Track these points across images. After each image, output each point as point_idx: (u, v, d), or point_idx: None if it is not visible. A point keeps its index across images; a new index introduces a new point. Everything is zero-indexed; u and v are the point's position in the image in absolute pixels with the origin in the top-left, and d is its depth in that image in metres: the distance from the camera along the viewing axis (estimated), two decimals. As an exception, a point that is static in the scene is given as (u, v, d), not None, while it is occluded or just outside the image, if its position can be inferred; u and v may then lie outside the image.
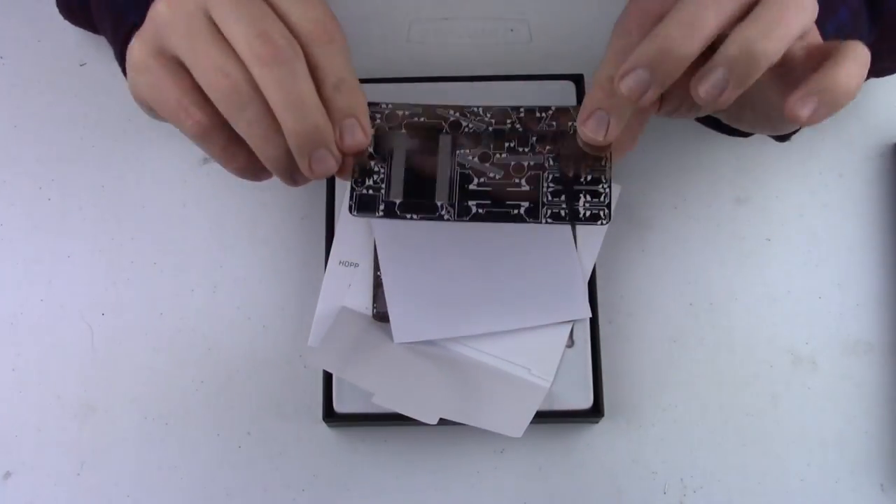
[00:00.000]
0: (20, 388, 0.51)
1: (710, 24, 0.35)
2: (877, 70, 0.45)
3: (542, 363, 0.47)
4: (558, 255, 0.48)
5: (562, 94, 0.52)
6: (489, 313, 0.48)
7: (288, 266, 0.52)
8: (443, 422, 0.49)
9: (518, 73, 0.53)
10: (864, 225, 0.53)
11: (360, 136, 0.38)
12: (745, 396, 0.50)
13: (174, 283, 0.52)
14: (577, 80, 0.53)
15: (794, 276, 0.52)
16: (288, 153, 0.37)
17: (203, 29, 0.36)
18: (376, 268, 0.49)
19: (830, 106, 0.34)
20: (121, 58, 0.45)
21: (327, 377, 0.48)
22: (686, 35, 0.35)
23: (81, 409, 0.50)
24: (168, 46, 0.37)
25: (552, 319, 0.48)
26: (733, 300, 0.52)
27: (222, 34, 0.36)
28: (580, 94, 0.52)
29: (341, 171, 0.38)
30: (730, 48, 0.34)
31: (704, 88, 0.35)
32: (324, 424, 0.49)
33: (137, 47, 0.38)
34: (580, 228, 0.49)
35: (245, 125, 0.36)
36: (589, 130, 0.39)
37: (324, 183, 0.51)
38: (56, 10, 0.54)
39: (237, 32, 0.35)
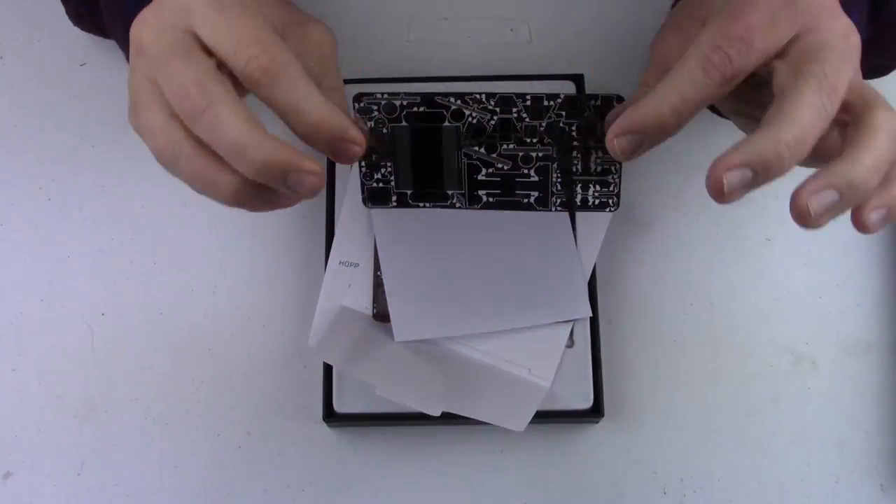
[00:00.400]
0: (20, 388, 0.51)
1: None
2: (870, 69, 0.45)
3: (542, 363, 0.47)
4: (559, 253, 0.48)
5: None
6: (490, 312, 0.48)
7: (288, 266, 0.52)
8: (443, 421, 0.49)
9: (518, 73, 0.53)
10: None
11: (354, 150, 0.37)
12: (745, 396, 0.50)
13: (174, 283, 0.52)
14: (578, 80, 0.53)
15: (794, 276, 0.52)
16: (240, 186, 0.36)
17: (149, 91, 0.36)
18: (376, 267, 0.49)
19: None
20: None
21: (327, 377, 0.48)
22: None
23: (81, 409, 0.50)
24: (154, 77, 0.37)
25: (553, 318, 0.48)
26: (733, 300, 0.52)
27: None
28: (580, 94, 0.52)
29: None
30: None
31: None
32: (324, 424, 0.49)
33: (134, 81, 0.38)
34: (580, 229, 0.49)
35: (187, 177, 0.36)
36: (619, 148, 0.39)
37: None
38: (56, 10, 0.54)
39: (166, 91, 0.35)
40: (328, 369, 0.48)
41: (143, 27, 0.37)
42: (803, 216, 0.34)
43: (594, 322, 0.49)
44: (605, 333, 0.50)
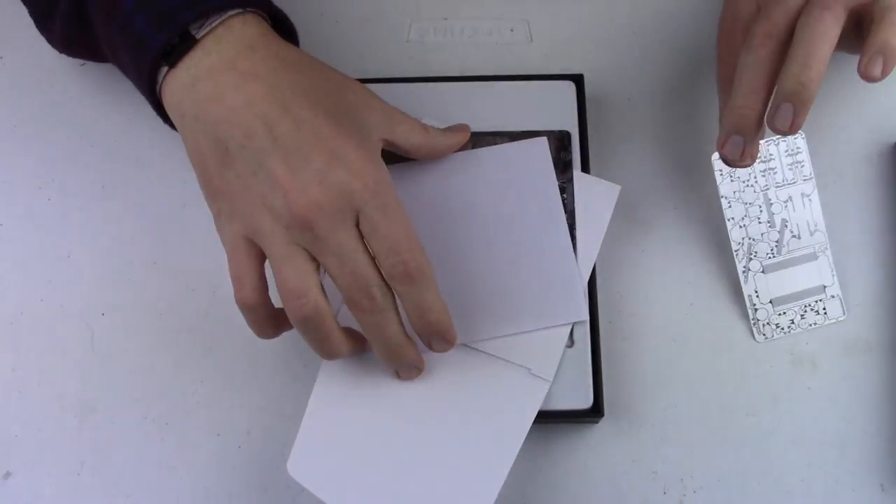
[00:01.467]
0: (20, 388, 0.51)
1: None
2: None
3: (542, 363, 0.47)
4: (555, 257, 0.48)
5: (562, 94, 0.52)
6: (487, 318, 0.48)
7: (288, 266, 0.52)
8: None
9: (518, 74, 0.53)
10: (865, 225, 0.53)
11: (447, 346, 0.45)
12: (745, 396, 0.50)
13: (174, 283, 0.52)
14: (577, 80, 0.53)
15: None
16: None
17: (306, 259, 0.42)
18: None
19: (893, 59, 0.42)
20: (147, 83, 0.44)
21: (327, 377, 0.48)
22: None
23: (81, 409, 0.50)
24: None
25: (549, 323, 0.48)
26: (733, 298, 0.52)
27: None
28: (580, 95, 0.52)
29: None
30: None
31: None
32: (324, 424, 0.49)
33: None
34: (580, 229, 0.50)
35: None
36: (728, 153, 0.46)
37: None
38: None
39: (338, 275, 0.42)
40: (328, 369, 0.48)
41: (312, 204, 0.41)
42: (871, 76, 0.43)
43: (594, 322, 0.49)
44: (605, 333, 0.50)
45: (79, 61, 0.56)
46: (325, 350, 0.44)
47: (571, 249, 0.49)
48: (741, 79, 0.45)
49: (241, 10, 0.43)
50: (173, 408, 0.50)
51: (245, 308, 0.43)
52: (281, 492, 0.49)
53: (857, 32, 0.45)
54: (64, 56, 0.56)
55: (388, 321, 0.43)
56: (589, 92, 0.53)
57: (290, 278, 0.41)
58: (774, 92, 0.44)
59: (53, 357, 0.51)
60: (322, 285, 0.42)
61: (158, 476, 0.49)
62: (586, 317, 0.48)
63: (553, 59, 0.57)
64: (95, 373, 0.51)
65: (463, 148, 0.50)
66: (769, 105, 0.44)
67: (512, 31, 0.58)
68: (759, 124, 0.45)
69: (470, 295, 0.48)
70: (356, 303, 0.42)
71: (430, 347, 0.45)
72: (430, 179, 0.50)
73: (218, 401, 0.50)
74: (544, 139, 0.50)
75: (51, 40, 0.52)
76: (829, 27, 0.43)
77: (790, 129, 0.43)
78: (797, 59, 0.43)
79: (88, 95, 0.56)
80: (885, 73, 0.42)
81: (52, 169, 0.54)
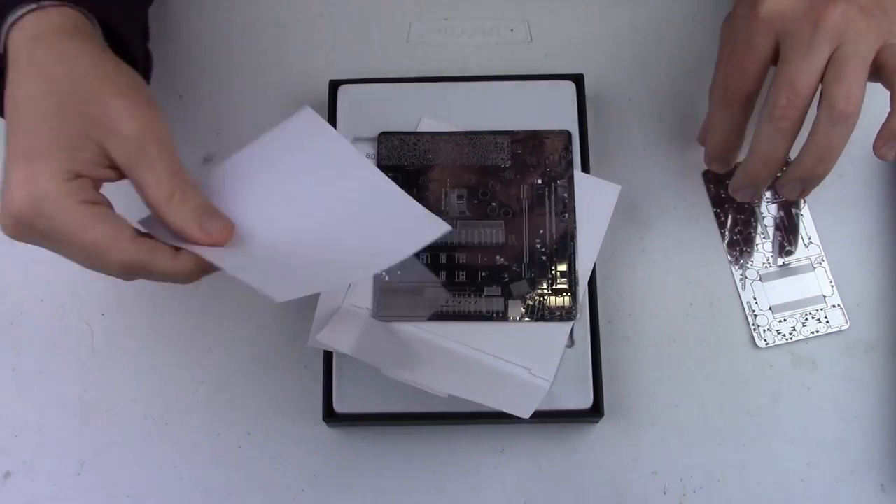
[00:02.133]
0: (20, 388, 0.51)
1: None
2: None
3: (541, 363, 0.47)
4: (381, 199, 0.45)
5: (562, 94, 0.52)
6: (350, 267, 0.44)
7: (288, 266, 0.52)
8: (443, 421, 0.49)
9: (518, 73, 0.53)
10: (864, 225, 0.53)
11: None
12: (745, 396, 0.50)
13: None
14: (578, 80, 0.53)
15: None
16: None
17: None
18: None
19: None
20: None
21: (327, 377, 0.48)
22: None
23: (81, 409, 0.50)
24: None
25: (413, 248, 0.43)
26: (733, 300, 0.52)
27: None
28: (580, 95, 0.53)
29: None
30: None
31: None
32: (324, 424, 0.49)
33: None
34: (580, 228, 0.50)
35: None
36: (739, 198, 0.49)
37: (324, 183, 0.51)
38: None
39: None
40: (328, 369, 0.48)
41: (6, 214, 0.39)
42: (885, 158, 0.45)
43: (594, 322, 0.49)
44: (605, 333, 0.50)
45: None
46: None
47: (390, 184, 0.45)
48: (759, 147, 0.46)
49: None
50: (173, 408, 0.50)
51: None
52: (281, 492, 0.49)
53: (874, 76, 0.45)
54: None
55: None
56: (589, 92, 0.53)
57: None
58: (787, 166, 0.46)
59: (53, 357, 0.51)
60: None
61: (158, 476, 0.49)
62: (446, 228, 0.44)
63: (553, 59, 0.57)
64: (95, 373, 0.51)
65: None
66: (782, 172, 0.47)
67: (512, 31, 0.58)
68: (768, 183, 0.47)
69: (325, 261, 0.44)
70: None
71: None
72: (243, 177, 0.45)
73: (218, 401, 0.50)
74: (306, 108, 0.46)
75: None
76: (851, 117, 0.43)
77: (798, 198, 0.47)
78: (813, 153, 0.44)
79: (88, 95, 0.56)
80: None
81: (52, 169, 0.54)
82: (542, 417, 0.46)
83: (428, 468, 0.49)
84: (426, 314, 0.48)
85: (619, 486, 0.49)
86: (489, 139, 0.51)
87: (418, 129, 0.52)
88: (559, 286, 0.49)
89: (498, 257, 0.49)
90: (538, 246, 0.49)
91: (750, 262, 0.52)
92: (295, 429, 0.50)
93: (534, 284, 0.49)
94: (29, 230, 0.39)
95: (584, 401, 0.48)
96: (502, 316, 0.48)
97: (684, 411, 0.50)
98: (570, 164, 0.51)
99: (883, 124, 0.44)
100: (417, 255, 0.47)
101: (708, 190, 0.53)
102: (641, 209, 0.53)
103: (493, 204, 0.50)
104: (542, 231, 0.50)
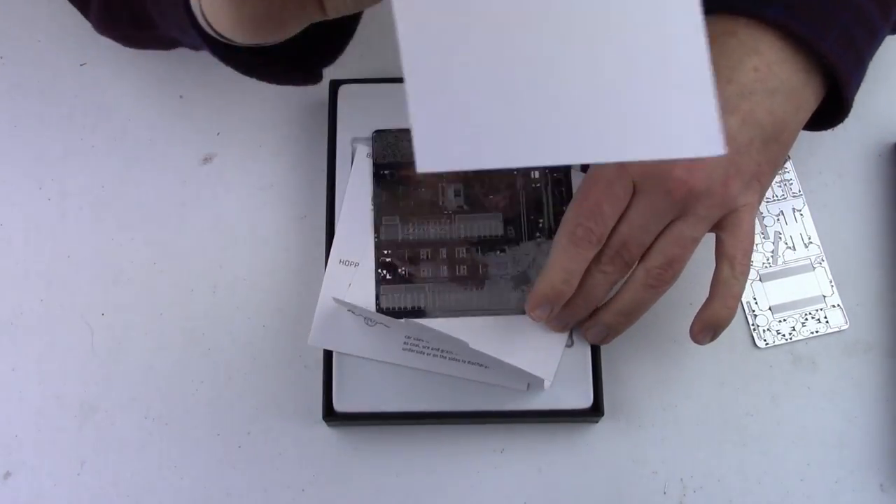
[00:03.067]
0: (20, 388, 0.51)
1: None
2: None
3: (542, 363, 0.47)
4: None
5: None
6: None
7: (288, 266, 0.52)
8: (443, 421, 0.49)
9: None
10: (864, 225, 0.53)
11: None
12: (745, 396, 0.50)
13: (174, 283, 0.52)
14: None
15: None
16: None
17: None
18: (377, 266, 0.49)
19: (719, 331, 0.46)
20: (192, 21, 0.38)
21: (327, 377, 0.48)
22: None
23: (81, 409, 0.50)
24: None
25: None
26: (733, 300, 0.52)
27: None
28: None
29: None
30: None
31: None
32: (324, 424, 0.49)
33: None
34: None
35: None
36: (536, 316, 0.47)
37: (324, 181, 0.51)
38: (56, 10, 0.54)
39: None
40: (328, 369, 0.48)
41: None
42: (700, 343, 0.47)
43: (594, 322, 0.49)
44: (605, 333, 0.50)
45: (79, 61, 0.56)
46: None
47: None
48: (594, 288, 0.46)
49: None
50: (173, 408, 0.50)
51: None
52: (281, 492, 0.49)
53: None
54: (64, 56, 0.56)
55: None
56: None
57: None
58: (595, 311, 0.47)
59: (53, 357, 0.51)
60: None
61: (158, 476, 0.49)
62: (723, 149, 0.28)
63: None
64: (95, 373, 0.51)
65: None
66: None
67: (512, 31, 0.57)
68: (577, 319, 0.48)
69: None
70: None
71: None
72: None
73: (218, 401, 0.50)
74: None
75: (92, 19, 0.50)
76: (667, 284, 0.46)
77: (598, 344, 0.48)
78: (624, 306, 0.47)
79: (88, 95, 0.56)
80: (712, 340, 0.46)
81: (52, 169, 0.54)
82: (542, 417, 0.46)
83: (428, 468, 0.49)
84: (429, 311, 0.48)
85: (619, 486, 0.49)
86: None
87: None
88: None
89: (498, 250, 0.49)
90: (538, 237, 0.50)
91: (750, 262, 0.52)
92: (295, 429, 0.50)
93: (536, 276, 0.48)
94: None
95: (584, 401, 0.48)
96: (506, 309, 0.48)
97: (684, 411, 0.50)
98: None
99: (700, 309, 0.46)
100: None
101: None
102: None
103: (491, 197, 0.50)
104: (541, 223, 0.50)
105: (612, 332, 0.47)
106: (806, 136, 0.52)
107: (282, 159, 0.55)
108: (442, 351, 0.48)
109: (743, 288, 0.45)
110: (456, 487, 0.49)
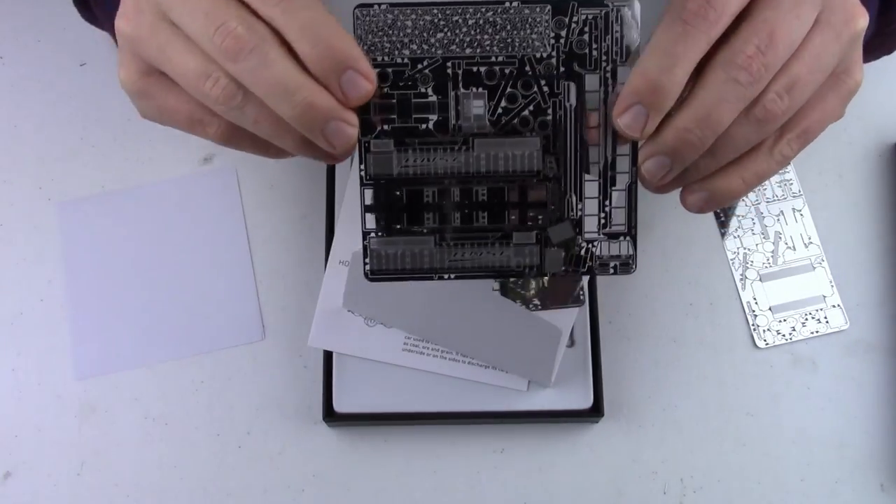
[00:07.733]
0: (20, 388, 0.51)
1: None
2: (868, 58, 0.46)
3: (542, 364, 0.47)
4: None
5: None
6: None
7: (288, 266, 0.52)
8: (443, 421, 0.49)
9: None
10: (864, 225, 0.53)
11: (363, 84, 0.34)
12: (745, 396, 0.50)
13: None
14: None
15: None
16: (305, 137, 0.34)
17: (170, 36, 0.34)
18: (363, 211, 0.39)
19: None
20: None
21: (327, 377, 0.48)
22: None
23: (81, 409, 0.50)
24: (148, 62, 0.36)
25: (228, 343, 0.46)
26: (733, 299, 0.52)
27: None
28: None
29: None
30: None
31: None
32: (324, 424, 0.49)
33: (124, 74, 0.37)
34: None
35: (251, 124, 0.34)
36: (624, 123, 0.34)
37: (324, 181, 0.51)
38: (56, 10, 0.54)
39: (195, 31, 0.33)
40: (328, 369, 0.48)
41: None
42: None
43: (594, 322, 0.49)
44: (605, 333, 0.50)
45: (79, 61, 0.56)
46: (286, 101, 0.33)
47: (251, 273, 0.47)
48: (698, 101, 0.34)
49: None
50: (173, 408, 0.50)
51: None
52: (281, 492, 0.49)
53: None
54: (64, 55, 0.56)
55: (268, 56, 0.32)
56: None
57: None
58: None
59: (53, 357, 0.51)
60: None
61: (158, 476, 0.49)
62: (260, 337, 0.42)
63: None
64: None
65: None
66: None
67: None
68: (691, 160, 0.35)
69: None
70: (220, 53, 0.32)
71: (342, 92, 0.33)
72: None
73: (218, 401, 0.50)
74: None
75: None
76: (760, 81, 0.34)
77: (659, 187, 0.37)
78: (695, 111, 0.34)
79: (88, 95, 0.56)
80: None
81: (52, 169, 0.54)
82: (542, 417, 0.46)
83: (428, 468, 0.49)
84: (431, 271, 0.37)
85: (619, 486, 0.49)
86: (521, 14, 0.36)
87: None
88: (615, 228, 0.37)
89: (531, 191, 0.36)
90: (587, 173, 0.37)
91: (750, 262, 0.52)
92: (295, 429, 0.50)
93: (580, 226, 0.37)
94: None
95: (584, 401, 0.48)
96: (538, 270, 0.37)
97: (684, 411, 0.50)
98: (636, 53, 0.37)
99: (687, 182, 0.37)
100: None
101: None
102: (641, 209, 0.53)
103: (526, 113, 0.36)
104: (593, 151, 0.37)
105: (678, 158, 0.35)
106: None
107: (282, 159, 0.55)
108: (442, 351, 0.48)
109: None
110: (456, 487, 0.49)
